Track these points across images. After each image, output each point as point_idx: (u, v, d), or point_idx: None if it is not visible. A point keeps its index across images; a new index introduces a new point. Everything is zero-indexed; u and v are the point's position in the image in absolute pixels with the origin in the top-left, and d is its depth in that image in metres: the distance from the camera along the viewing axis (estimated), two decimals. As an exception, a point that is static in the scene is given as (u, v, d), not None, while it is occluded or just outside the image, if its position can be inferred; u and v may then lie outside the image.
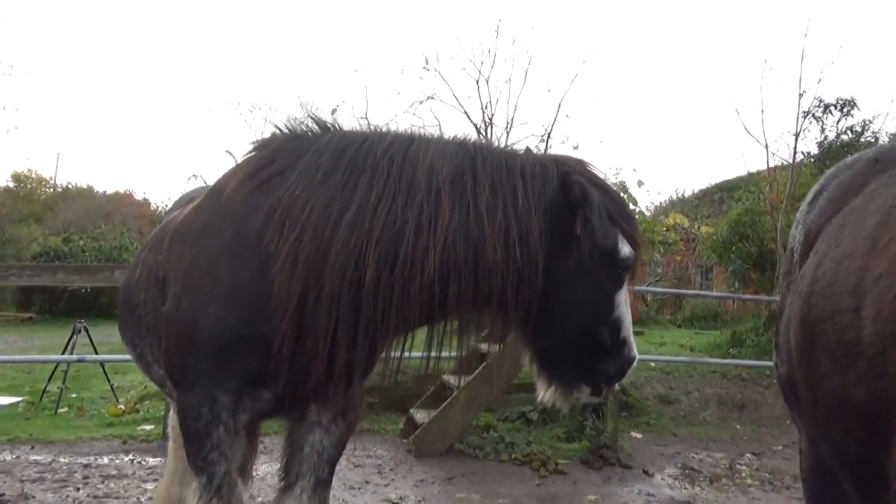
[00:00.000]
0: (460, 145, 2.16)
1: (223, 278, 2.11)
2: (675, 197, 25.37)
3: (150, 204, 35.65)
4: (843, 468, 1.79)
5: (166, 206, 32.51)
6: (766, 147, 12.52)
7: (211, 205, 2.30)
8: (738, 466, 5.88)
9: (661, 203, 22.47)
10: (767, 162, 12.61)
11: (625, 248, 2.13)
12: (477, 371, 5.76)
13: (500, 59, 18.06)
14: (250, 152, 2.33)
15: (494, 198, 2.01)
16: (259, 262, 2.05)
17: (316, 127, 2.28)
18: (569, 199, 2.06)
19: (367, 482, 4.88)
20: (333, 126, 2.29)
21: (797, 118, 11.84)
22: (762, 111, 12.25)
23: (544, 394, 2.26)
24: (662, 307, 20.61)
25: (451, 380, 6.11)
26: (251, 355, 2.09)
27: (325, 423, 2.42)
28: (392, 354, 2.23)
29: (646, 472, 5.50)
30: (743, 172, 14.67)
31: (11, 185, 36.70)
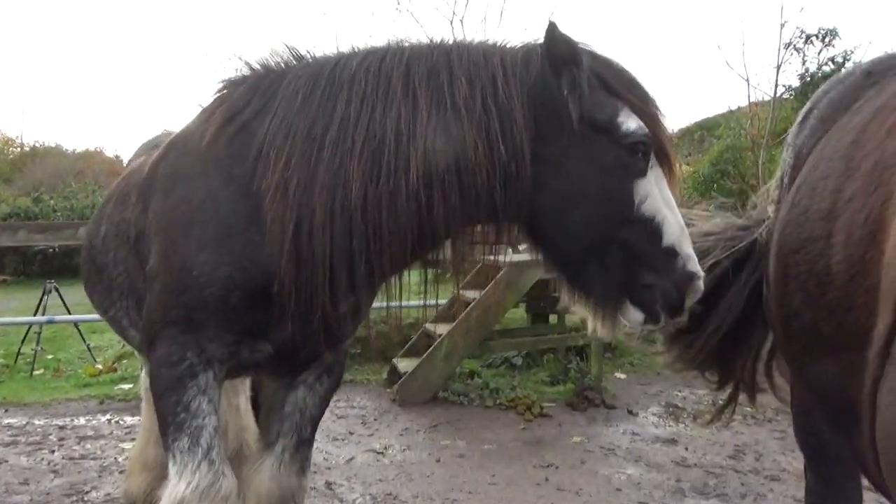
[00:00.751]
0: (436, 45, 1.97)
1: (212, 224, 1.92)
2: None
3: (122, 161, 34.76)
4: (817, 403, 1.72)
5: (138, 162, 31.76)
6: (748, 81, 12.37)
7: (187, 151, 2.09)
8: (720, 402, 5.91)
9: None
10: (749, 97, 12.47)
11: (629, 123, 1.81)
12: (459, 318, 5.68)
13: (475, -2, 17.47)
14: (222, 92, 2.12)
15: (472, 90, 1.82)
16: (252, 207, 1.88)
17: (290, 57, 2.07)
18: (556, 67, 1.82)
19: (351, 433, 4.84)
20: (308, 54, 2.09)
21: (778, 50, 11.66)
22: (743, 44, 12.12)
23: (591, 324, 1.96)
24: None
25: (435, 328, 6.04)
26: (247, 306, 1.91)
27: (309, 381, 2.31)
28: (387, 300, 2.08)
29: (630, 412, 5.52)
30: (724, 109, 14.53)
31: (-24, 145, 35.62)
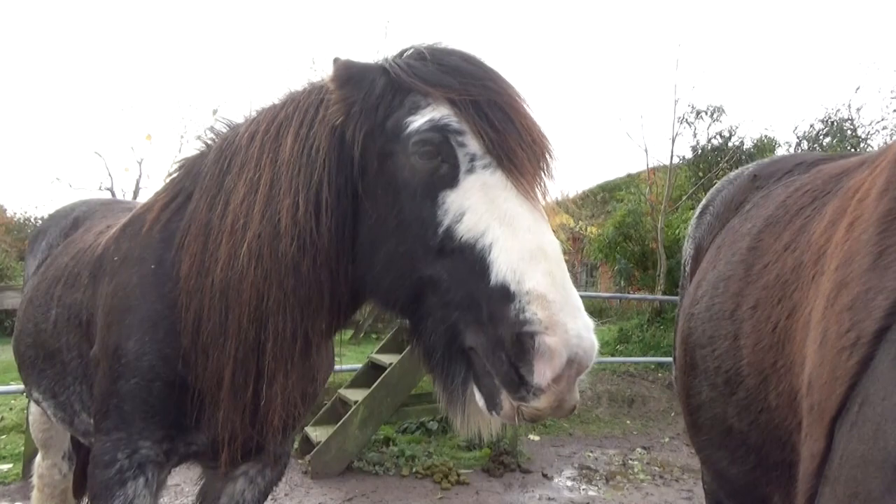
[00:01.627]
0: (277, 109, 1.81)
1: (141, 310, 1.87)
2: (560, 198, 26.35)
3: (5, 210, 32.46)
4: (727, 494, 1.75)
5: (25, 213, 29.79)
6: (646, 151, 13.34)
7: (131, 235, 2.06)
8: (630, 462, 6.08)
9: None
10: (647, 164, 13.36)
11: (418, 118, 1.46)
12: (376, 384, 5.59)
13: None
14: (172, 175, 2.10)
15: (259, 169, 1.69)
16: (175, 295, 1.83)
17: (219, 131, 2.02)
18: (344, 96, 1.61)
19: (261, 511, 4.58)
20: (226, 126, 2.03)
21: (673, 123, 12.63)
22: (641, 116, 13.04)
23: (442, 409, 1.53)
24: (552, 305, 21.28)
25: (349, 394, 5.90)
26: (170, 397, 1.82)
27: (251, 474, 2.19)
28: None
29: (545, 476, 5.57)
30: (623, 174, 15.46)
31: None
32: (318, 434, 5.70)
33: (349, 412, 5.50)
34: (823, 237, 1.25)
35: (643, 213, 12.70)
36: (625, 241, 12.51)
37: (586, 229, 17.53)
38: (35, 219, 31.46)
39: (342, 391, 6.07)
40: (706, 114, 12.28)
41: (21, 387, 6.29)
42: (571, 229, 18.67)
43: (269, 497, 4.81)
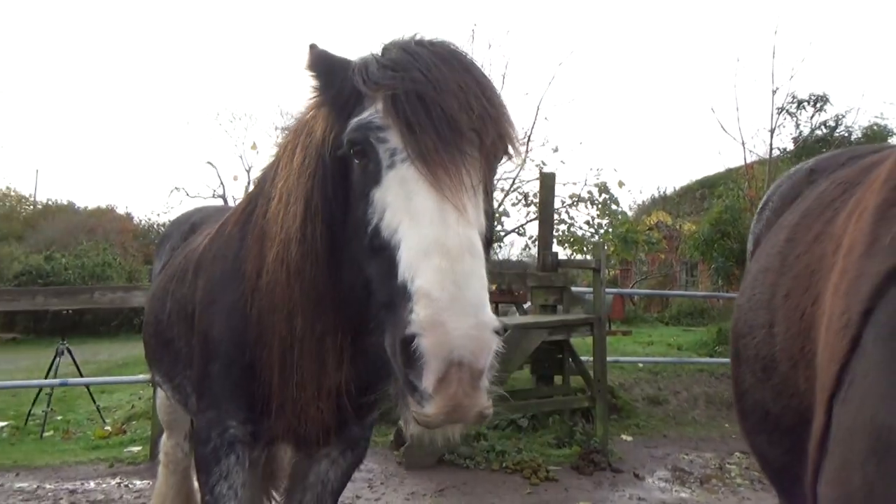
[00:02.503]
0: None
1: (221, 302, 2.12)
2: (657, 195, 25.59)
3: (132, 218, 35.38)
4: (770, 478, 1.80)
5: (149, 219, 32.32)
6: (743, 144, 12.72)
7: (219, 236, 2.36)
8: (727, 466, 5.92)
9: (643, 202, 22.69)
10: (745, 158, 12.79)
11: (356, 117, 1.49)
12: (465, 380, 5.76)
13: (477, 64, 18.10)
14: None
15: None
16: (246, 288, 2.05)
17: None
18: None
19: (358, 497, 4.86)
20: None
21: (772, 114, 12.04)
22: (737, 108, 12.49)
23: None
24: (649, 305, 20.75)
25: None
26: (247, 380, 2.01)
27: (333, 455, 2.37)
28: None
29: (636, 476, 5.53)
30: (722, 169, 14.87)
31: (-9, 203, 36.29)
32: (411, 427, 5.94)
33: (440, 407, 5.70)
34: (842, 227, 1.29)
35: (742, 209, 12.20)
36: (722, 239, 12.05)
37: (681, 227, 16.97)
38: (157, 225, 34.10)
39: (434, 387, 6.28)
40: (808, 103, 11.63)
41: (140, 377, 6.98)
42: (669, 227, 18.14)
43: (367, 484, 5.10)
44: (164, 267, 3.12)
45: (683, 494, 5.14)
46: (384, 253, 1.38)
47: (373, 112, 1.46)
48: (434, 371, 1.17)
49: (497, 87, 1.56)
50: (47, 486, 5.06)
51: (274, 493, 3.06)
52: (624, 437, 6.75)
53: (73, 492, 4.93)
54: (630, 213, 18.48)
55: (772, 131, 11.98)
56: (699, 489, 5.28)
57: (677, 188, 25.52)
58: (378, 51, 1.60)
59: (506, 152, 1.52)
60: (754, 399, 1.64)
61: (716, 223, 12.41)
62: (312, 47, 1.66)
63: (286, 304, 1.82)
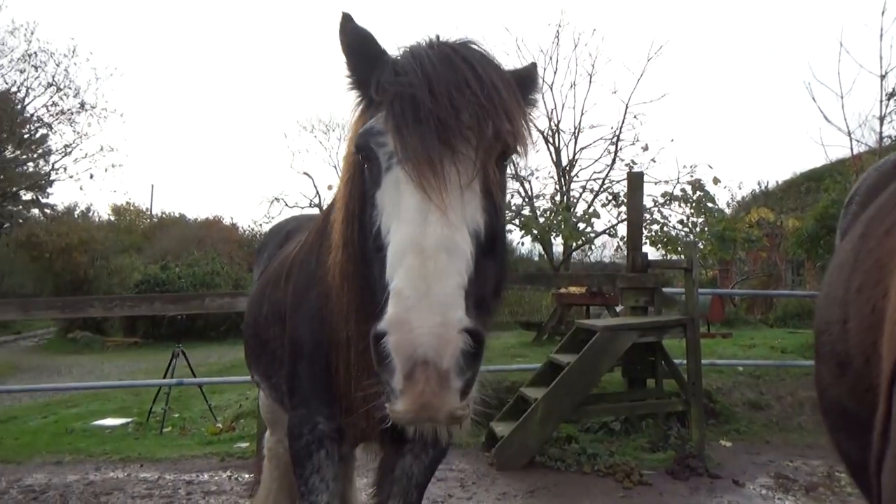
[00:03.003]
0: None
1: (305, 305, 2.28)
2: (757, 190, 24.31)
3: (237, 228, 37.47)
4: (852, 476, 1.76)
5: (252, 229, 34.06)
6: (849, 134, 11.91)
7: (304, 243, 2.54)
8: (836, 474, 5.59)
9: (743, 198, 21.63)
10: (851, 149, 11.98)
11: (362, 128, 1.57)
12: (554, 383, 5.77)
13: (563, 64, 17.95)
14: None
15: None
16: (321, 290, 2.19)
17: None
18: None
19: (450, 496, 4.98)
20: None
21: (880, 101, 11.20)
22: (841, 96, 11.69)
23: None
24: (752, 306, 19.74)
25: (529, 392, 6.14)
26: (328, 381, 2.14)
27: (415, 450, 2.47)
28: None
29: (736, 483, 5.34)
30: (828, 161, 13.96)
31: (112, 218, 39.49)
32: (501, 429, 6.02)
33: (529, 409, 5.74)
34: None
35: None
36: (828, 235, 11.29)
37: (783, 223, 16.03)
38: (259, 234, 35.91)
39: (523, 389, 6.33)
40: (921, 88, 10.74)
41: (248, 378, 7.44)
42: (771, 224, 17.20)
43: (459, 484, 5.22)
44: (262, 273, 3.36)
45: (787, 503, 4.92)
46: (380, 254, 1.43)
47: (377, 117, 1.52)
48: (400, 368, 1.20)
49: (503, 84, 1.51)
50: (167, 478, 5.51)
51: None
52: (723, 442, 6.51)
53: (189, 483, 5.35)
54: (728, 211, 17.71)
55: (881, 119, 11.17)
56: (805, 497, 5.03)
57: (779, 182, 24.18)
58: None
59: (509, 148, 1.50)
60: (832, 396, 1.62)
61: (821, 218, 11.67)
62: (347, 18, 1.68)
63: (342, 307, 1.95)
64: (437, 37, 1.63)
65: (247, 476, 5.52)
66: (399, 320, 1.20)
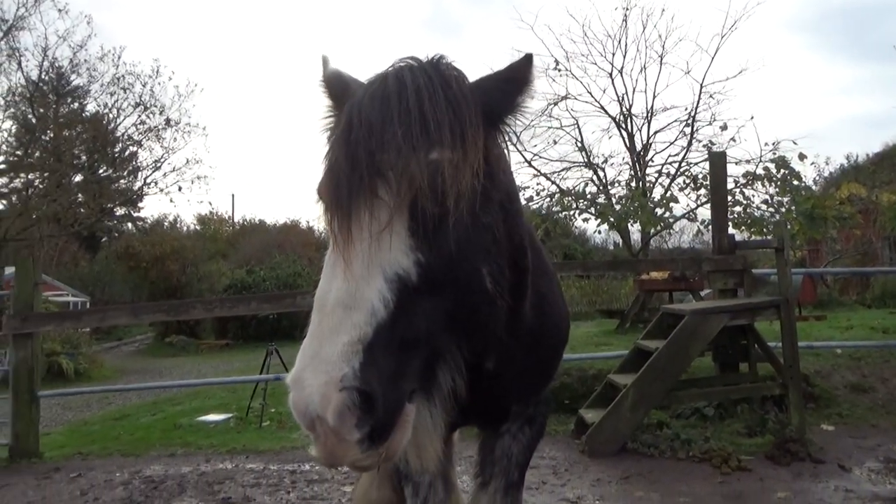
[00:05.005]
0: None
1: None
2: (846, 165, 23.01)
3: (314, 231, 38.66)
4: None
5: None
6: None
7: None
8: (953, 458, 5.30)
9: (831, 173, 20.51)
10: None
11: None
12: (643, 368, 5.73)
13: (632, 48, 17.54)
14: None
15: None
16: None
17: None
18: None
19: (544, 482, 5.04)
20: None
21: None
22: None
23: None
24: (846, 287, 18.74)
25: (618, 379, 6.11)
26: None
27: (513, 430, 2.56)
28: None
29: (842, 467, 5.14)
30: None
31: (198, 227, 41.55)
32: (591, 416, 6.02)
33: (619, 395, 5.72)
34: None
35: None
36: (930, 207, 10.61)
37: (878, 198, 15.09)
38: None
39: (611, 376, 6.30)
40: None
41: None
42: (863, 199, 16.24)
43: (551, 471, 5.27)
44: None
45: (900, 487, 4.70)
46: None
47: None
48: (300, 423, 1.27)
49: (441, 111, 1.42)
50: (272, 468, 5.82)
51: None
52: (824, 426, 6.27)
53: (292, 472, 5.63)
54: (815, 188, 16.87)
55: None
56: (919, 482, 4.80)
57: (870, 155, 22.81)
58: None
59: (431, 185, 1.39)
60: None
61: (921, 190, 10.98)
62: (325, 61, 1.74)
63: None
64: (406, 59, 1.57)
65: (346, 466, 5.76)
66: (294, 379, 1.26)
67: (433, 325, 1.42)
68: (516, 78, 1.61)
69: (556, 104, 15.91)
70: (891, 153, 20.35)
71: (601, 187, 15.21)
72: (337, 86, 1.71)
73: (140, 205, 30.08)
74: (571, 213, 14.02)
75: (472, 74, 1.61)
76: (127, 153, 24.62)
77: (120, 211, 29.33)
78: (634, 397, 5.62)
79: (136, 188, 25.00)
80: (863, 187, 17.05)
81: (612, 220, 12.93)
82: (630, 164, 16.25)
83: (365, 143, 1.39)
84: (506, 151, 1.70)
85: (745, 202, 13.06)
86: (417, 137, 1.39)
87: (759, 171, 13.15)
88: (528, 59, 1.63)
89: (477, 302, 1.56)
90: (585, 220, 13.74)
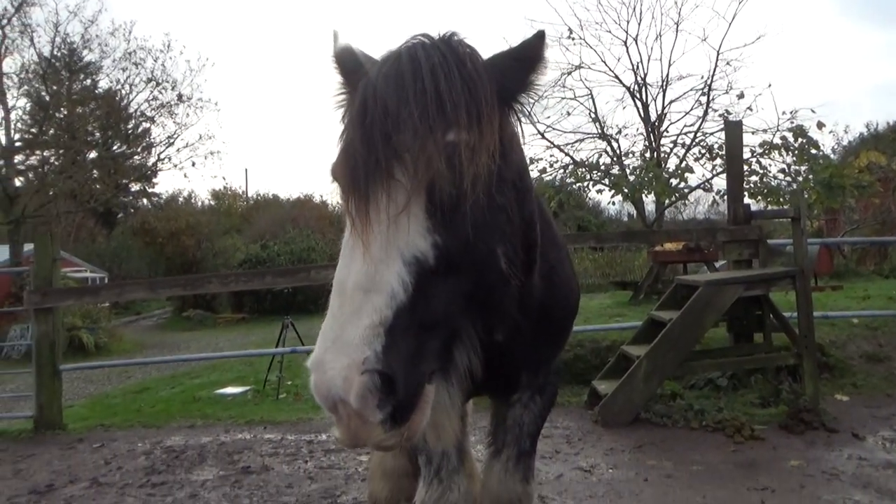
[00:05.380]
0: None
1: None
2: (866, 133, 22.59)
3: (327, 205, 38.73)
4: None
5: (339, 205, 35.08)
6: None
7: None
8: (970, 427, 5.29)
9: (850, 142, 20.14)
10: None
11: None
12: (657, 339, 5.73)
13: (647, 16, 17.24)
14: None
15: None
16: None
17: None
18: None
19: (558, 451, 5.10)
20: None
21: None
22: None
23: None
24: (864, 257, 18.53)
25: (631, 350, 6.13)
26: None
27: (524, 400, 2.60)
28: None
29: (856, 436, 5.15)
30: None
31: (212, 202, 41.75)
32: (604, 387, 6.05)
33: (633, 366, 5.74)
34: None
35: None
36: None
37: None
38: (348, 211, 36.71)
39: (625, 347, 6.32)
40: None
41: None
42: (883, 167, 15.96)
43: (565, 440, 5.32)
44: None
45: (914, 456, 4.71)
46: None
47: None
48: (322, 404, 1.29)
49: (458, 91, 1.41)
50: (289, 438, 5.93)
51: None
52: (838, 396, 6.26)
53: (310, 442, 5.74)
54: (834, 157, 16.59)
55: None
56: (933, 451, 4.80)
57: (890, 123, 22.37)
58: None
59: (459, 159, 1.40)
60: None
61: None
62: (336, 36, 1.73)
63: None
64: (418, 36, 1.56)
65: (361, 435, 5.86)
66: (315, 362, 1.28)
67: (450, 307, 1.44)
68: (529, 56, 1.60)
69: (569, 74, 15.71)
70: (912, 120, 19.96)
71: (615, 158, 15.07)
72: (349, 62, 1.70)
73: (154, 180, 30.31)
74: (585, 184, 13.92)
75: (485, 46, 1.60)
76: (140, 129, 24.70)
77: (135, 187, 29.55)
78: (648, 368, 5.64)
79: (150, 164, 25.14)
80: (882, 155, 16.77)
81: (626, 191, 12.83)
82: (644, 134, 16.06)
83: (381, 124, 1.38)
84: (518, 130, 1.70)
85: (761, 171, 12.89)
86: (434, 118, 1.38)
87: (777, 140, 12.95)
88: (540, 36, 1.61)
89: (493, 282, 1.57)
90: (599, 191, 13.62)
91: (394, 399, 1.26)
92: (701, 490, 4.19)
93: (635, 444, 5.18)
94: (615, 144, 15.71)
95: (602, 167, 14.25)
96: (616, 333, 7.35)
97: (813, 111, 13.43)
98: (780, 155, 12.90)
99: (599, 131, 15.89)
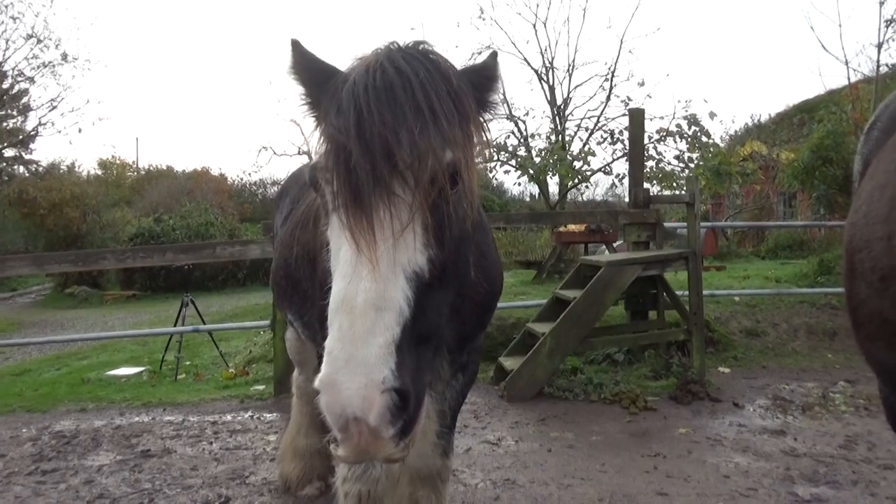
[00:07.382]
0: None
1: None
2: (751, 124, 24.30)
3: (226, 178, 37.15)
4: (887, 382, 1.90)
5: (241, 179, 33.69)
6: (847, 63, 11.89)
7: None
8: (831, 394, 5.88)
9: (736, 131, 21.59)
10: (848, 78, 11.98)
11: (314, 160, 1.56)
12: (561, 317, 5.96)
13: (557, 0, 17.59)
14: None
15: None
16: None
17: None
18: None
19: (466, 426, 5.22)
20: None
21: (879, 28, 11.14)
22: (839, 25, 11.61)
23: None
24: (744, 239, 20.04)
25: (536, 327, 6.34)
26: None
27: (446, 377, 2.64)
28: None
29: (736, 405, 5.61)
30: (823, 92, 13.96)
31: (99, 172, 38.99)
32: (510, 364, 6.24)
33: (537, 343, 5.95)
34: None
35: (845, 133, 11.44)
36: (824, 166, 11.40)
37: (778, 155, 16.07)
38: (249, 184, 35.46)
39: (530, 324, 6.53)
40: (923, 12, 10.69)
41: (261, 323, 7.63)
42: (764, 156, 17.25)
43: (473, 416, 5.43)
44: (288, 217, 3.44)
45: (785, 420, 5.19)
46: (325, 287, 1.47)
47: (324, 152, 1.49)
48: (333, 424, 1.28)
49: (449, 105, 1.46)
50: (191, 419, 5.72)
51: None
52: (721, 369, 6.79)
53: (214, 423, 5.56)
54: (722, 145, 17.72)
55: (879, 46, 11.10)
56: (801, 416, 5.31)
57: (772, 115, 24.16)
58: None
59: (456, 175, 1.46)
60: (870, 309, 1.75)
61: (817, 149, 11.73)
62: (295, 45, 1.67)
63: None
64: (390, 46, 1.59)
65: (268, 415, 5.74)
66: (328, 382, 1.26)
67: (440, 317, 1.50)
68: (488, 76, 1.69)
69: (479, 54, 15.80)
70: (790, 113, 21.65)
71: (522, 140, 15.38)
72: (312, 72, 1.67)
73: (32, 146, 27.86)
74: (493, 164, 14.14)
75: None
76: (16, 90, 22.61)
77: (9, 153, 27.09)
78: (552, 345, 5.87)
79: (29, 129, 23.10)
80: (764, 145, 18.09)
81: (531, 172, 13.15)
82: (550, 117, 16.47)
83: (380, 139, 1.38)
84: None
85: (657, 157, 13.57)
86: (432, 136, 1.41)
87: (672, 127, 13.66)
88: (494, 56, 1.73)
89: (464, 286, 1.67)
90: (506, 171, 13.87)
91: (405, 414, 1.28)
92: (600, 458, 4.44)
93: (539, 417, 5.39)
94: (522, 126, 16.03)
95: (510, 148, 14.51)
96: (521, 311, 7.58)
97: (706, 101, 14.23)
98: (675, 142, 13.62)
99: (507, 113, 16.15)
